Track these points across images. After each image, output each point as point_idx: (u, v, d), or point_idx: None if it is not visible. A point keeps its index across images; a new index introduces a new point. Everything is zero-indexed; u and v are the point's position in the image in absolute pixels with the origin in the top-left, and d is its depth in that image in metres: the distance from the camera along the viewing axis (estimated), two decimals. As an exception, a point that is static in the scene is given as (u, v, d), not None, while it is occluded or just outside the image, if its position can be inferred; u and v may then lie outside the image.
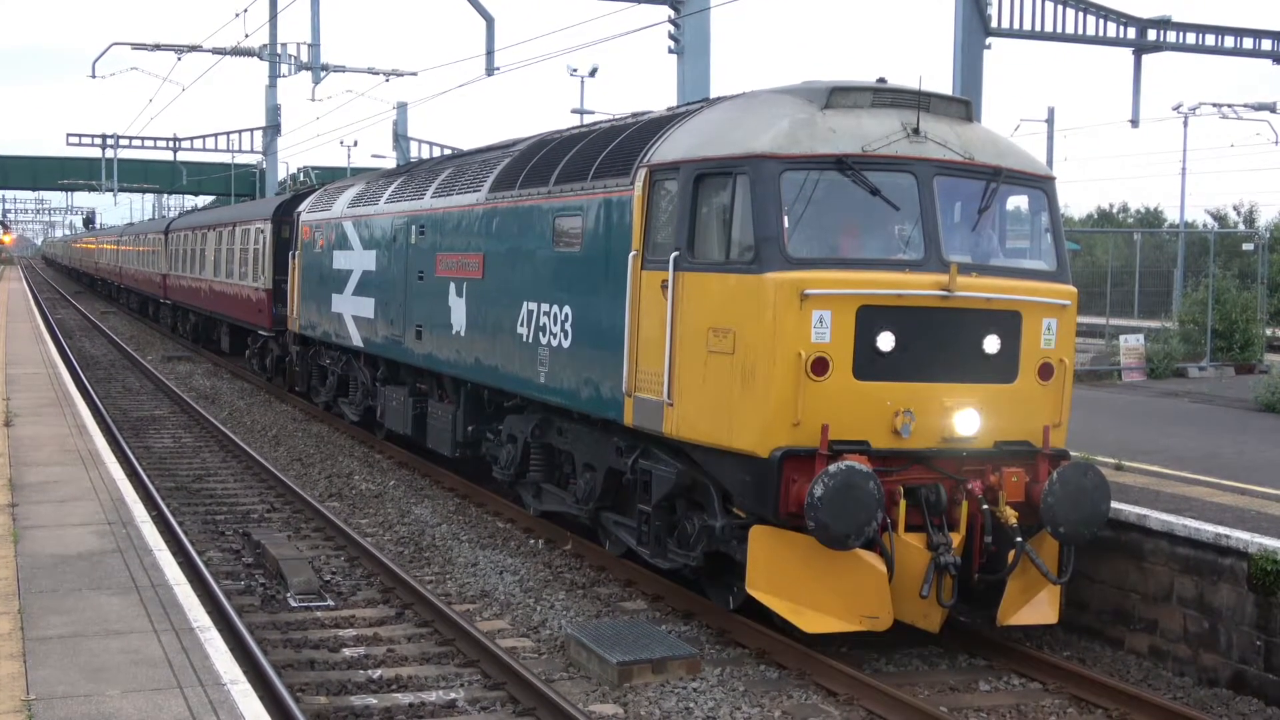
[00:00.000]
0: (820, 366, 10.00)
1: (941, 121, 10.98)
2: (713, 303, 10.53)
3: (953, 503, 10.25)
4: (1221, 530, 10.59)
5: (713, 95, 13.06)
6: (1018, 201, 11.34)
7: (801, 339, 9.96)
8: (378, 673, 10.12)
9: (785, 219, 10.24)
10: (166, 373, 32.34)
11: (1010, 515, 10.21)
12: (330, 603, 12.10)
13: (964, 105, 11.41)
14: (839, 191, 10.48)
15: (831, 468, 9.60)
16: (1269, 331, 29.92)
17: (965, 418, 10.29)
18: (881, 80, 11.33)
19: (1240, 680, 10.28)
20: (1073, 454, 11.10)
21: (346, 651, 10.65)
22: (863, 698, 9.74)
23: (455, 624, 11.03)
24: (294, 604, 12.01)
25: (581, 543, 14.13)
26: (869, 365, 10.10)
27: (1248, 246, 34.07)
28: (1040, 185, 11.28)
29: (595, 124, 14.96)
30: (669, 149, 11.46)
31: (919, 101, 10.88)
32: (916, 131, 10.68)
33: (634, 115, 13.76)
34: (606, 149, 12.72)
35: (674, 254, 10.88)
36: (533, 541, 14.66)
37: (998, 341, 10.45)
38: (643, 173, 11.60)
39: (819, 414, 9.95)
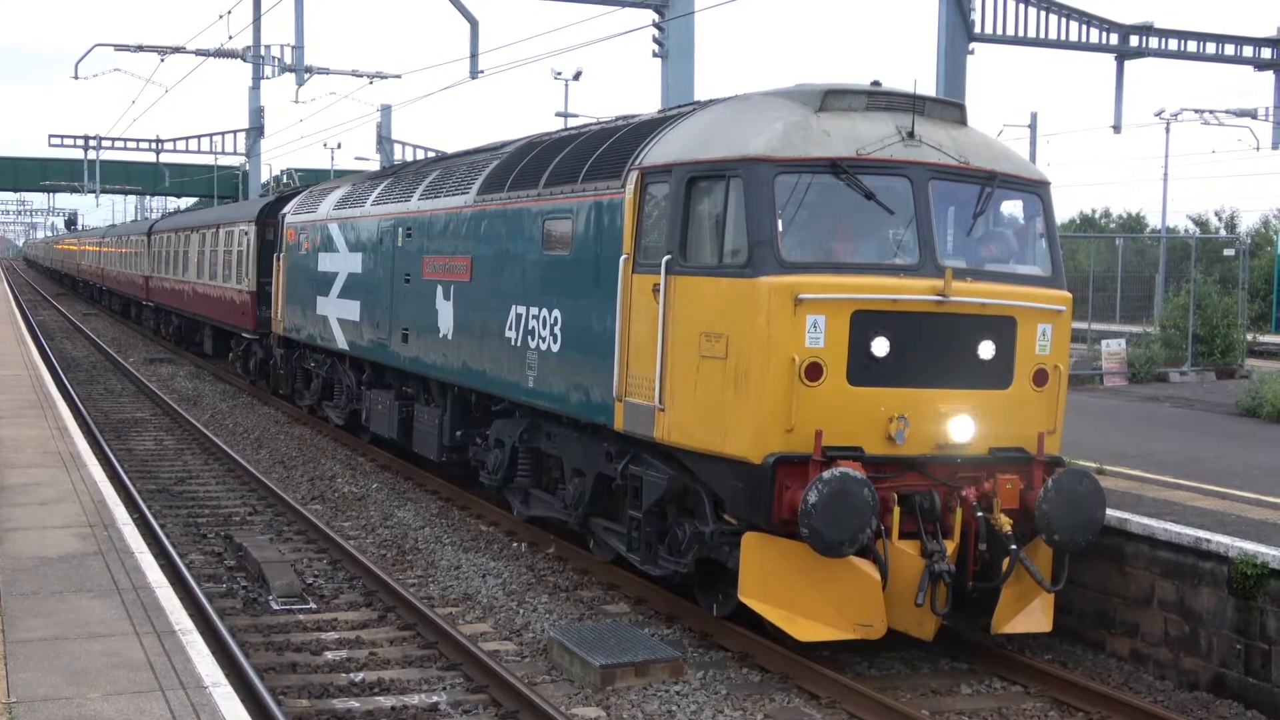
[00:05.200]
0: (814, 372, 9.89)
1: (936, 125, 10.91)
2: (705, 307, 10.42)
3: (947, 509, 10.17)
4: (1202, 534, 10.63)
5: (697, 99, 12.96)
6: (1012, 206, 11.27)
7: (795, 344, 9.86)
8: (360, 676, 10.09)
9: (779, 222, 10.15)
10: (148, 375, 32.14)
11: (1005, 522, 10.15)
12: (312, 605, 12.03)
13: (959, 109, 11.34)
14: (833, 195, 10.39)
15: (825, 474, 9.50)
16: (1250, 336, 29.98)
17: (960, 424, 10.20)
18: (876, 83, 11.25)
19: (1220, 683, 10.32)
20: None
21: (329, 654, 10.61)
22: (845, 701, 9.73)
23: (438, 627, 11.00)
24: (276, 607, 11.93)
25: (565, 546, 14.07)
26: (863, 370, 10.00)
27: (1229, 252, 34.13)
28: (1035, 190, 11.21)
29: (585, 126, 14.84)
30: (661, 151, 11.35)
31: (914, 105, 10.81)
32: (911, 135, 10.60)
33: (621, 118, 13.64)
34: (597, 151, 12.61)
35: (666, 257, 10.77)
36: (516, 545, 14.59)
37: (992, 347, 10.37)
38: (634, 175, 11.48)
39: (813, 420, 9.85)
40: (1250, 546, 10.22)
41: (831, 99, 10.76)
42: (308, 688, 9.74)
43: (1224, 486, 13.24)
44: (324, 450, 21.11)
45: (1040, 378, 10.63)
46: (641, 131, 12.15)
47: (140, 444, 21.44)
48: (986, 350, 10.36)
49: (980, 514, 10.18)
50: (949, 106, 11.32)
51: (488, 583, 12.96)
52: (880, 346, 10.01)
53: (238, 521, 15.62)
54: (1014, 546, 10.18)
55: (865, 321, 9.98)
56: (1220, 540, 10.43)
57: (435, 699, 9.59)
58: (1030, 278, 10.96)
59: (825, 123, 10.55)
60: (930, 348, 10.18)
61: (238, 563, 13.44)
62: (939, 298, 10.09)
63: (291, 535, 14.96)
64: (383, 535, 15.13)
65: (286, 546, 14.24)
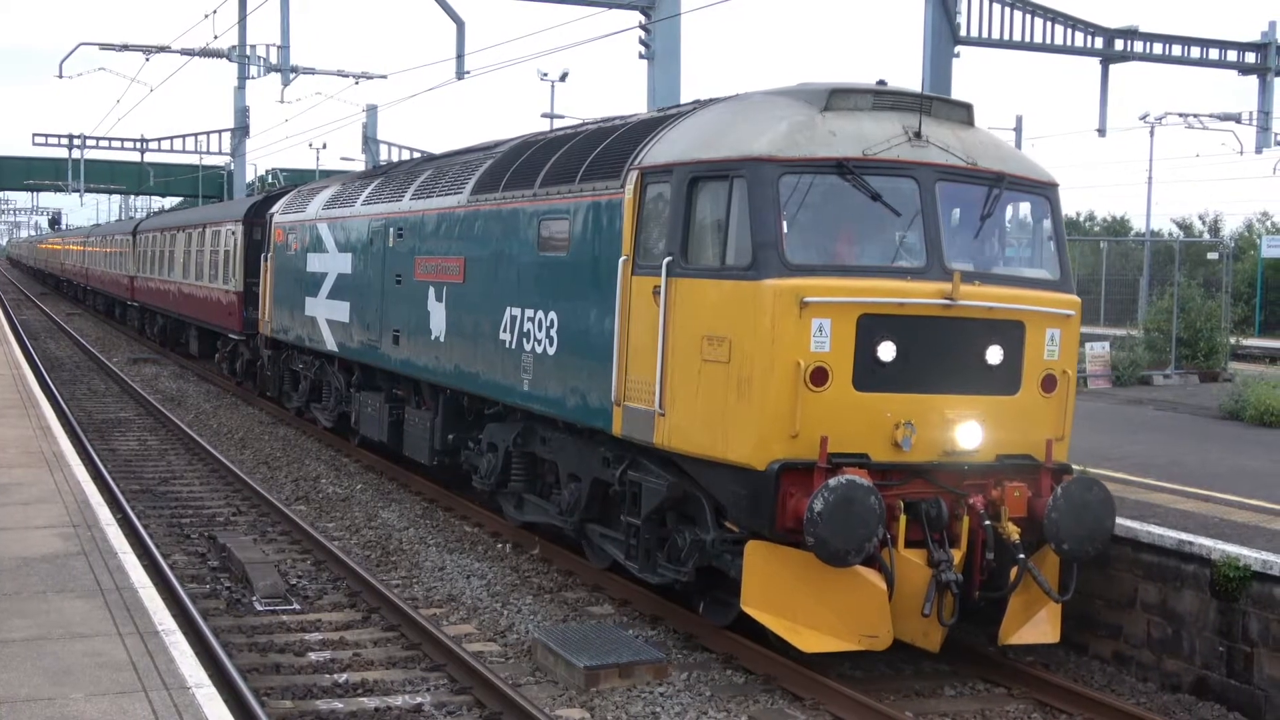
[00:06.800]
0: (819, 376, 9.68)
1: (943, 125, 10.71)
2: (707, 310, 10.20)
3: (954, 518, 9.96)
4: (1185, 537, 10.63)
5: (696, 98, 12.75)
6: (1020, 208, 11.08)
7: (800, 348, 9.65)
8: (344, 677, 10.03)
9: (783, 224, 9.94)
10: (133, 375, 31.88)
11: (1012, 531, 9.95)
12: (296, 606, 11.92)
13: (966, 109, 11.14)
14: (839, 196, 10.20)
15: (831, 481, 9.28)
16: (1233, 340, 30.10)
17: (967, 430, 10.01)
18: (881, 82, 11.06)
19: (1203, 686, 10.32)
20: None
21: (312, 655, 10.54)
22: (829, 703, 9.67)
23: (422, 628, 10.93)
24: (259, 608, 11.82)
25: (550, 548, 13.94)
26: (869, 375, 9.79)
27: (1213, 255, 34.14)
28: (1043, 192, 11.02)
29: (581, 125, 14.63)
30: (661, 151, 11.13)
31: (920, 105, 10.62)
32: (918, 135, 10.41)
33: (617, 118, 13.40)
34: (595, 150, 12.39)
35: (666, 259, 10.55)
36: (501, 546, 14.49)
37: (1000, 352, 10.18)
38: (634, 175, 11.26)
39: (818, 425, 9.64)
40: (1233, 549, 10.24)
41: (837, 98, 10.55)
42: (291, 689, 9.67)
43: (1207, 489, 13.23)
44: (308, 451, 20.92)
45: (1048, 383, 10.44)
46: (640, 130, 11.94)
47: (124, 444, 21.21)
48: (994, 355, 10.16)
49: (987, 522, 9.98)
50: (956, 106, 11.12)
51: (472, 584, 12.87)
52: (886, 351, 9.81)
53: (221, 522, 15.44)
54: (1022, 555, 9.99)
55: (871, 325, 9.78)
56: (1203, 543, 10.43)
57: (419, 700, 9.53)
58: (1038, 281, 10.77)
59: (831, 122, 10.34)
60: (937, 352, 9.98)
61: (221, 563, 13.28)
62: (947, 301, 9.89)
63: (275, 536, 14.79)
64: (367, 536, 14.99)
65: (270, 547, 14.09)
